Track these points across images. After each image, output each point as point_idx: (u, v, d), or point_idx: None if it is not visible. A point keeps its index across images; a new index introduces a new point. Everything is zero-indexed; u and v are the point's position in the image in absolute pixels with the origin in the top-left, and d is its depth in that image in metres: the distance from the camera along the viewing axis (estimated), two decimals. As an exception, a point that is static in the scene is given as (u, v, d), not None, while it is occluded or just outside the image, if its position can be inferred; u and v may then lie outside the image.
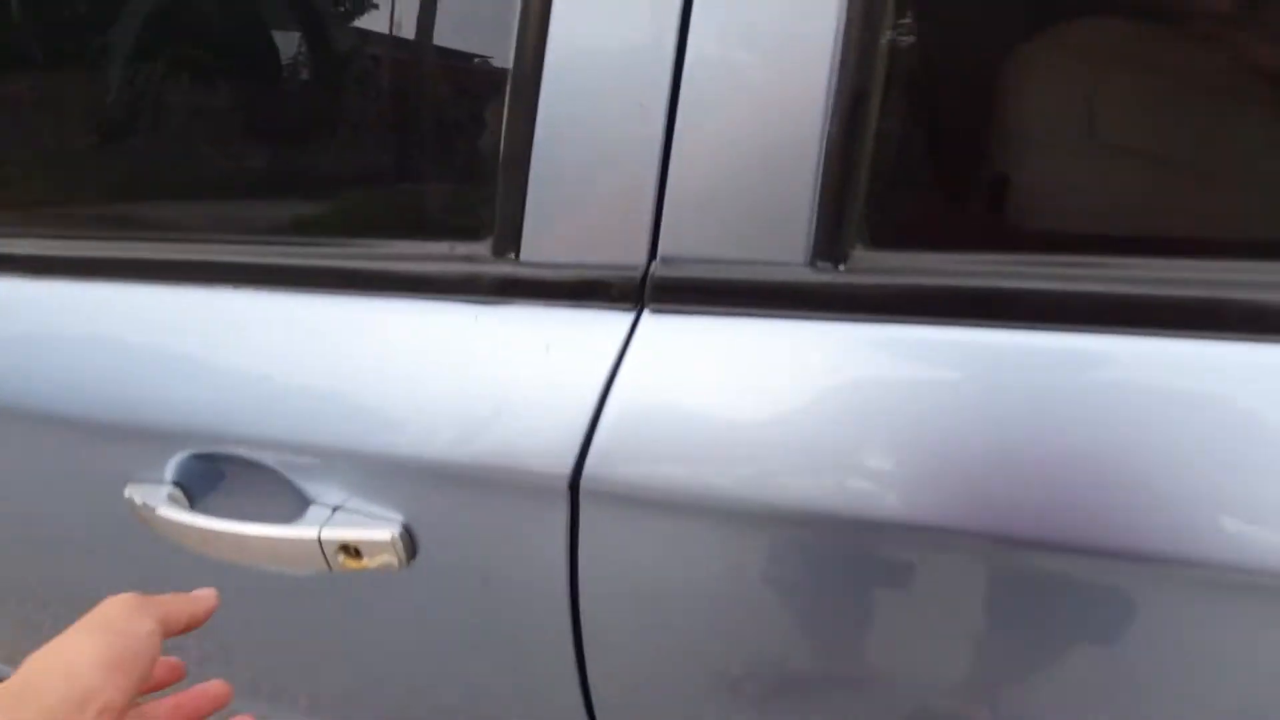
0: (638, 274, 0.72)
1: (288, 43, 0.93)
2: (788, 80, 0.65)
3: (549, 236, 0.75)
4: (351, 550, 0.83)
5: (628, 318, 0.73)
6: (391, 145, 0.89)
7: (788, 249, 0.68)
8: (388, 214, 0.89)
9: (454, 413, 0.76)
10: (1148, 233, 0.64)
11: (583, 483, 0.73)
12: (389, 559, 0.83)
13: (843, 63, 0.63)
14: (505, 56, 0.75)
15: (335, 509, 0.85)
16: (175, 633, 0.58)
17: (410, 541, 0.82)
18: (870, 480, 0.65)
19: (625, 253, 0.73)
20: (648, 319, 0.72)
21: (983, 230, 0.69)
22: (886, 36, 0.62)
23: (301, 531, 0.83)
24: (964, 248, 0.66)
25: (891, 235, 0.68)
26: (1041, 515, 0.62)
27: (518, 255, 0.77)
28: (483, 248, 0.78)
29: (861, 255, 0.68)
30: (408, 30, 0.84)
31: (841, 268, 0.68)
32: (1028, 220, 0.69)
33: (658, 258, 0.72)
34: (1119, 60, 0.68)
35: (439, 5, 0.83)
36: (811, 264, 0.68)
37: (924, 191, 0.71)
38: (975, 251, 0.66)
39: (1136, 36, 0.67)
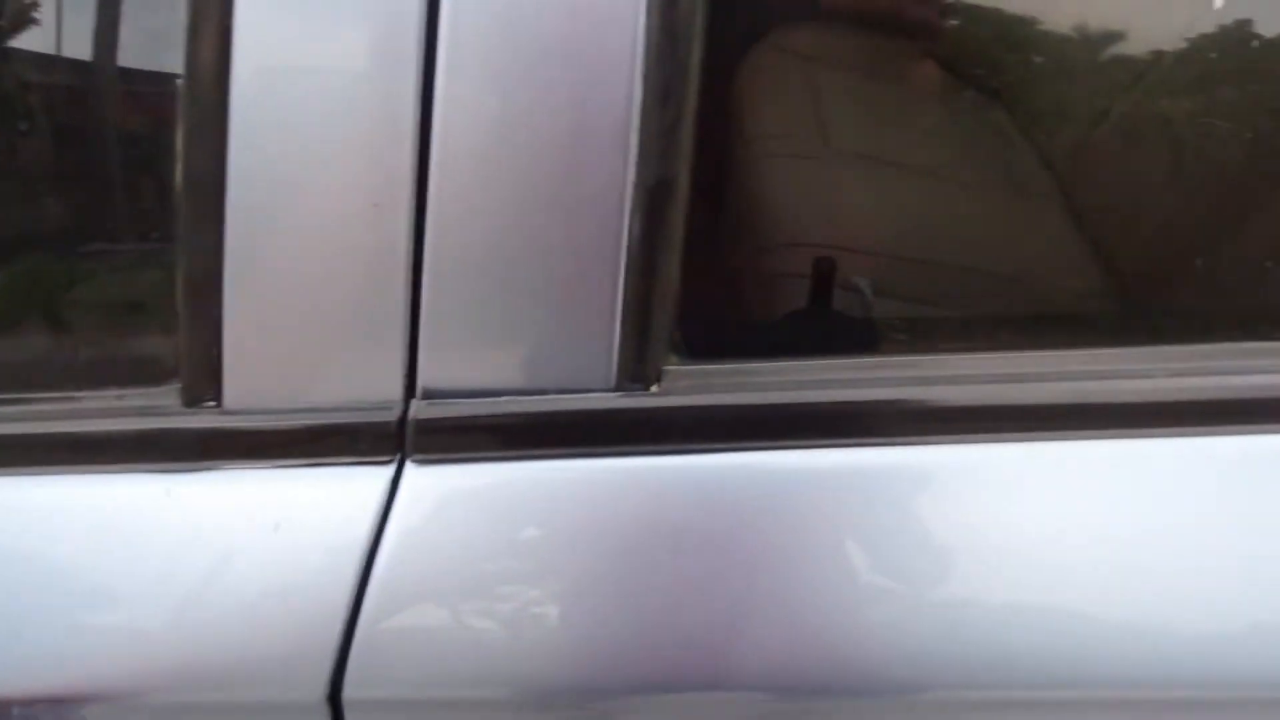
0: (393, 416, 0.55)
1: None
2: (575, 170, 0.51)
3: (262, 374, 0.56)
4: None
5: (385, 474, 0.56)
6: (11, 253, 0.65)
7: (586, 371, 0.54)
8: (17, 356, 0.64)
9: (149, 628, 0.55)
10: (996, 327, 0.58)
11: (345, 696, 0.55)
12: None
13: (642, 147, 0.50)
14: (174, 130, 0.55)
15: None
16: None
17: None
18: (706, 651, 0.54)
19: (373, 389, 0.55)
20: (412, 473, 0.56)
21: (817, 330, 0.59)
22: (690, 115, 0.50)
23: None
24: (798, 353, 0.56)
25: (711, 345, 0.56)
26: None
27: (219, 402, 0.57)
28: (167, 395, 0.57)
29: (676, 371, 0.55)
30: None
31: (654, 389, 0.55)
32: (868, 313, 0.60)
33: (418, 393, 0.55)
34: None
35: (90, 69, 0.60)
36: (617, 387, 0.55)
37: (746, 289, 0.60)
38: (811, 357, 0.56)
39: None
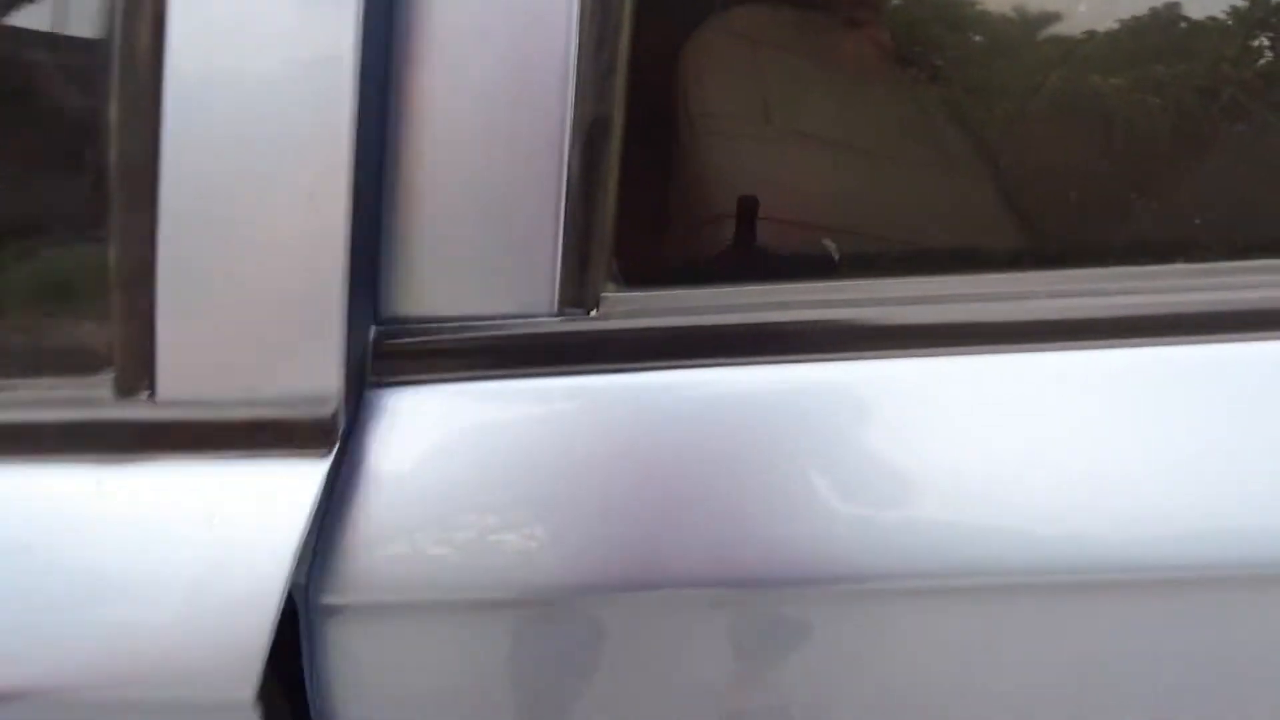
0: (331, 409, 0.54)
1: None
2: (518, 112, 0.55)
3: (199, 363, 0.55)
4: None
5: (321, 467, 0.54)
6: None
7: (530, 297, 0.56)
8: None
9: (76, 621, 0.51)
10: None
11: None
12: None
13: (579, 87, 0.55)
14: (107, 115, 0.56)
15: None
16: None
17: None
18: (648, 552, 0.55)
19: (311, 380, 0.54)
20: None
21: (744, 259, 0.63)
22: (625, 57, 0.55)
23: None
24: (727, 279, 0.60)
25: (646, 272, 0.59)
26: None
27: (153, 393, 0.55)
28: (99, 385, 0.55)
29: (614, 298, 0.58)
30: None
31: (593, 313, 0.57)
32: (791, 244, 0.63)
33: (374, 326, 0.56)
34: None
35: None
36: (559, 313, 0.56)
37: (678, 221, 0.64)
38: (740, 283, 0.59)
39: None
